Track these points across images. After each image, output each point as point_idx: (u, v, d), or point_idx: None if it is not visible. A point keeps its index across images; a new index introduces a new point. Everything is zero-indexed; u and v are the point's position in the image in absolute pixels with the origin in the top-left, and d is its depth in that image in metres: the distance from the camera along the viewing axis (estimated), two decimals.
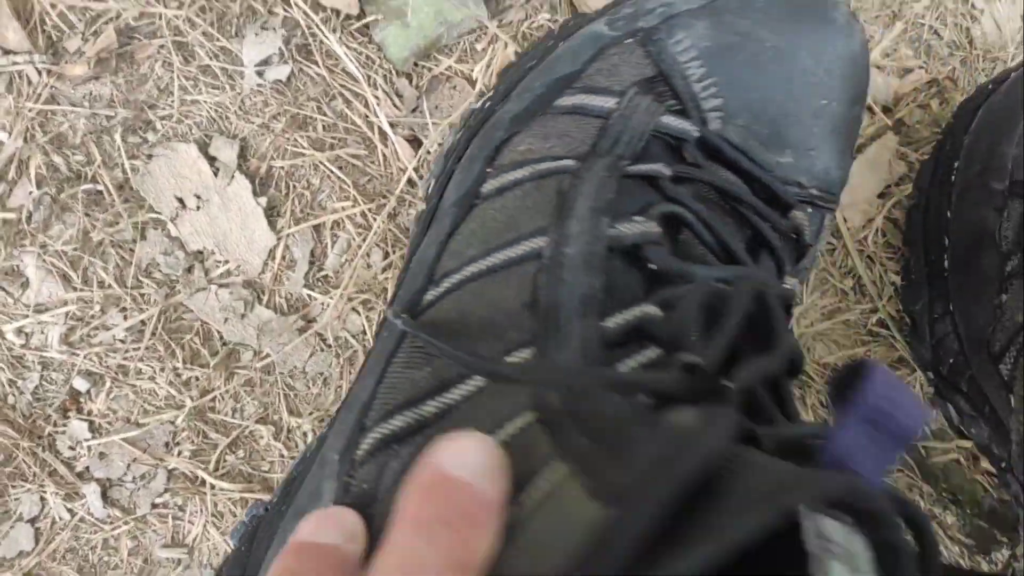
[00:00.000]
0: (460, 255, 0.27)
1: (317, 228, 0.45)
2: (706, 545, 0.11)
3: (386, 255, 0.45)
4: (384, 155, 0.46)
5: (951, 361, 0.41)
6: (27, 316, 0.44)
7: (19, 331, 0.44)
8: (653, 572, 0.11)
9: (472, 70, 0.46)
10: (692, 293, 0.21)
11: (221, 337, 0.45)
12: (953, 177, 0.40)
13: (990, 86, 0.41)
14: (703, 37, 0.31)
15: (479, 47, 0.48)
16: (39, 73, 0.44)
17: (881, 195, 0.45)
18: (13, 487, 0.44)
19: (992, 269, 0.37)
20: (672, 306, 0.22)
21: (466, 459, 0.16)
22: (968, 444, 0.44)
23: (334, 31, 0.46)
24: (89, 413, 0.44)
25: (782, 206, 0.30)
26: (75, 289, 0.44)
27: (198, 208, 0.45)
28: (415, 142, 0.46)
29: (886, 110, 0.46)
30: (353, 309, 0.45)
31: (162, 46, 0.44)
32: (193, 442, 0.44)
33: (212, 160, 0.45)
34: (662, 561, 0.11)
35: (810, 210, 0.32)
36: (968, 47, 0.46)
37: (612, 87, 0.31)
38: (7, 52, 0.43)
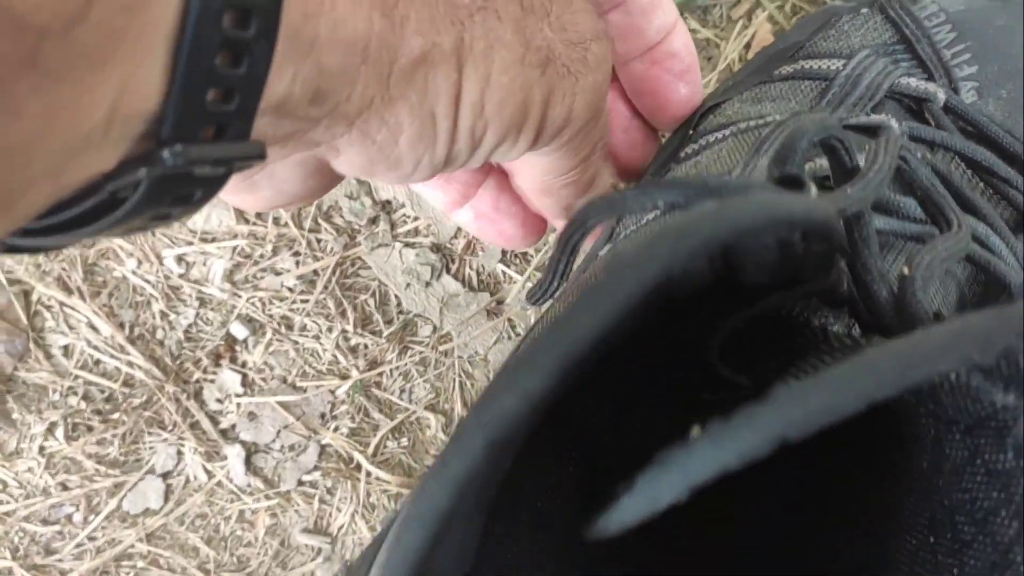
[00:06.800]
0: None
1: None
2: None
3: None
4: None
5: None
6: (191, 243, 0.39)
7: (180, 259, 0.39)
8: None
9: (722, 40, 0.39)
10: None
11: (399, 304, 0.39)
12: None
13: None
14: (955, 1, 0.28)
15: (736, 14, 0.41)
16: None
17: None
18: (150, 434, 0.39)
19: None
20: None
21: None
22: None
23: None
24: (243, 365, 0.39)
25: None
26: (247, 222, 0.39)
27: None
28: None
29: None
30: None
31: None
32: (353, 419, 0.39)
33: None
34: None
35: None
36: None
37: (840, 51, 0.28)
38: None
